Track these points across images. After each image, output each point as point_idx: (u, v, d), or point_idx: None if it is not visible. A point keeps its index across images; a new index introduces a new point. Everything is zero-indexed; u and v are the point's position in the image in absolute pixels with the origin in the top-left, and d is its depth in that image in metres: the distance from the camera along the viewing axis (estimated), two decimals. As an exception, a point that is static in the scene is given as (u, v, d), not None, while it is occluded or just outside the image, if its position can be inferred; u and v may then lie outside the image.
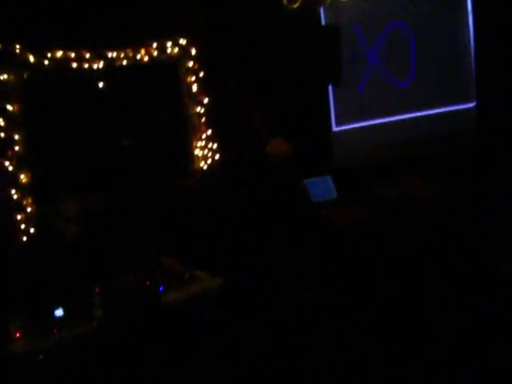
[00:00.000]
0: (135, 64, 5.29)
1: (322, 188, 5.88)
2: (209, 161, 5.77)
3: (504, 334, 3.71)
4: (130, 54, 5.24)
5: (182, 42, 5.52)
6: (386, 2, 6.40)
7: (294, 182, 4.79)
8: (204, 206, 5.69)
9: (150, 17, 5.32)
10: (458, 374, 3.49)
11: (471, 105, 6.72)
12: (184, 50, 5.55)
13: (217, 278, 4.58)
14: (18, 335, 3.78)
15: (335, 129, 6.45)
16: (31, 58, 4.80)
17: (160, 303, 3.32)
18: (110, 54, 5.13)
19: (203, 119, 5.72)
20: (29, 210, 4.84)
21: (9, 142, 4.74)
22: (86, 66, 5.04)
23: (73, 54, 4.96)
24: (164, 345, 3.24)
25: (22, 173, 4.80)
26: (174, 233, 5.43)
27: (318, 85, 6.33)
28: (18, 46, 4.74)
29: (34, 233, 4.84)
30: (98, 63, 5.09)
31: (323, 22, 6.21)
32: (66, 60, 4.94)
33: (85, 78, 5.12)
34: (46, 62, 4.87)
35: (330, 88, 6.35)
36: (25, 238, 4.82)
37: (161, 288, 4.30)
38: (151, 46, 5.34)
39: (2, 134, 4.70)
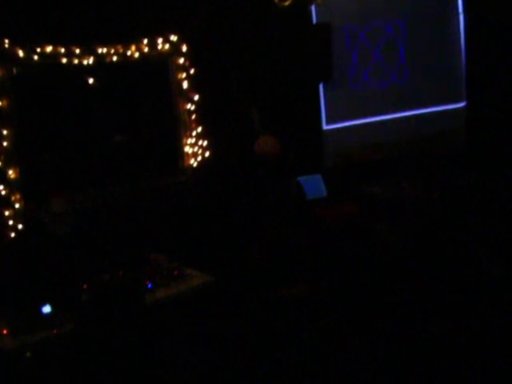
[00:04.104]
0: (125, 60, 5.26)
1: (312, 186, 5.88)
2: (199, 158, 5.76)
3: (493, 330, 3.73)
4: (121, 50, 5.21)
5: (173, 38, 5.50)
6: (377, 0, 6.41)
7: (284, 178, 4.80)
8: (194, 203, 5.68)
9: (141, 13, 5.30)
10: (448, 371, 3.51)
11: (461, 104, 6.75)
12: (175, 47, 5.53)
13: (206, 275, 4.57)
14: (5, 332, 3.75)
15: (325, 127, 6.46)
16: (20, 53, 4.77)
17: (145, 300, 3.30)
18: (100, 50, 5.10)
19: (193, 116, 5.71)
20: (17, 205, 4.82)
21: (-3, 137, 4.71)
22: (76, 61, 5.01)
23: (62, 50, 4.93)
24: (152, 342, 3.22)
25: (10, 168, 4.77)
26: (164, 230, 5.41)
27: (309, 83, 6.33)
28: (7, 41, 4.70)
29: (22, 229, 4.82)
30: (88, 59, 5.06)
31: (314, 20, 6.21)
32: (55, 55, 4.91)
33: (74, 73, 5.09)
34: (36, 57, 4.84)
35: (321, 86, 6.35)
36: (13, 234, 4.80)
37: (150, 285, 4.28)
38: (142, 42, 5.32)
39: (-9, 129, 4.67)
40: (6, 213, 4.78)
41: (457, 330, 3.75)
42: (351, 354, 3.61)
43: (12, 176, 4.78)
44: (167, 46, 5.48)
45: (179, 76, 5.62)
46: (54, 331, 3.75)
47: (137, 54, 5.30)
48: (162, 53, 5.48)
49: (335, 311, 3.95)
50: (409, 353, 3.63)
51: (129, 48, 5.26)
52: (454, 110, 6.75)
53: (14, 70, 4.82)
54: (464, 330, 3.74)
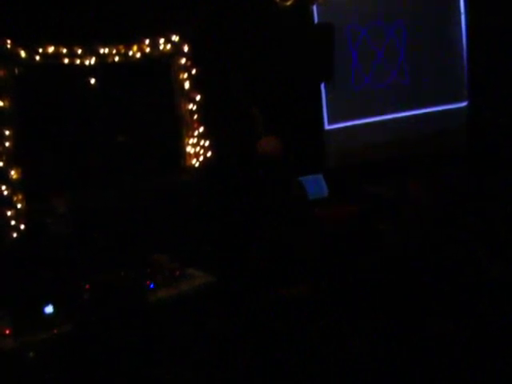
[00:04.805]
0: (127, 60, 5.28)
1: (314, 186, 5.88)
2: (201, 158, 5.77)
3: (493, 330, 3.73)
4: (122, 51, 5.23)
5: (175, 38, 5.51)
6: (378, 0, 6.40)
7: (285, 179, 4.80)
8: (195, 203, 5.69)
9: (143, 13, 5.31)
10: (448, 371, 3.51)
11: (463, 104, 6.74)
12: (176, 47, 5.54)
13: (208, 275, 4.58)
14: (7, 332, 3.77)
15: (327, 127, 6.46)
16: (22, 54, 4.79)
17: (147, 300, 3.32)
18: (101, 50, 5.12)
19: (195, 116, 5.72)
20: (19, 206, 4.83)
21: (-1, 137, 4.73)
22: (78, 61, 5.03)
23: (64, 50, 4.95)
24: (153, 342, 3.24)
25: (12, 169, 4.78)
26: (165, 230, 5.42)
27: (311, 83, 6.33)
28: (9, 42, 4.72)
29: (24, 229, 4.83)
30: (90, 59, 5.07)
31: (316, 20, 6.21)
32: (57, 55, 4.93)
33: (76, 73, 5.10)
34: (38, 58, 4.85)
35: (323, 86, 6.35)
36: (15, 234, 4.81)
37: (151, 285, 4.29)
38: (143, 42, 5.33)
39: (-7, 130, 4.69)
40: (8, 213, 4.78)
41: (457, 330, 3.75)
42: (351, 354, 3.62)
43: (14, 176, 4.80)
44: (169, 46, 5.49)
45: (181, 76, 5.63)
46: (56, 331, 3.76)
47: (138, 55, 5.31)
48: (163, 53, 5.48)
49: (335, 311, 3.96)
50: (409, 353, 3.63)
51: (130, 48, 5.27)
52: (456, 109, 6.73)
53: (16, 71, 4.84)
54: (464, 330, 3.74)
